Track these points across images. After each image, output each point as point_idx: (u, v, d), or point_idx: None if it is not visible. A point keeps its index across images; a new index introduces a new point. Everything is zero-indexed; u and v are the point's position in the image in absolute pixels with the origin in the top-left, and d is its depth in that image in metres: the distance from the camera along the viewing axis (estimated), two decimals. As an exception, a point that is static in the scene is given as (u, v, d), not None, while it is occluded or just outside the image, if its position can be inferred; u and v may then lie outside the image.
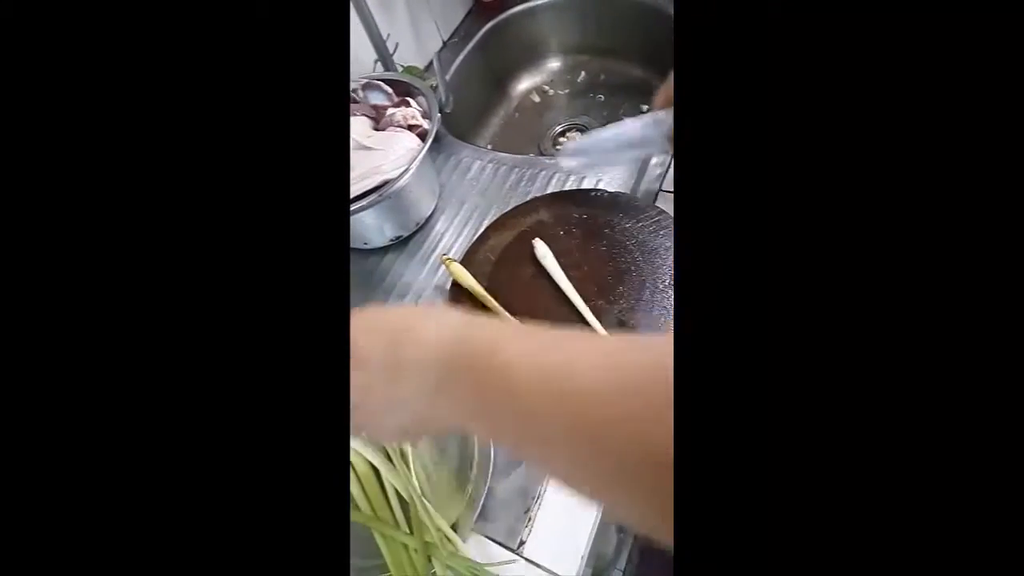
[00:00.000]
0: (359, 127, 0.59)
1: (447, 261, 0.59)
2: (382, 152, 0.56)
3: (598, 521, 0.45)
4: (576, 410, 0.18)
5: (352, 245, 0.67)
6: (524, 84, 0.99)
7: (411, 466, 0.46)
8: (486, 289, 0.56)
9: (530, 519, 0.45)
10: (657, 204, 0.61)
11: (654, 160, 0.65)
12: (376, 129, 0.61)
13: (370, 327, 0.25)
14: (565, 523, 0.45)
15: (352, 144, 0.58)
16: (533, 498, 0.46)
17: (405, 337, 0.24)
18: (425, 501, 0.44)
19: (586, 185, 0.65)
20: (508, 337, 0.22)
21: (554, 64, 0.99)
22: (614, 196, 0.61)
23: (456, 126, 0.81)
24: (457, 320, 0.24)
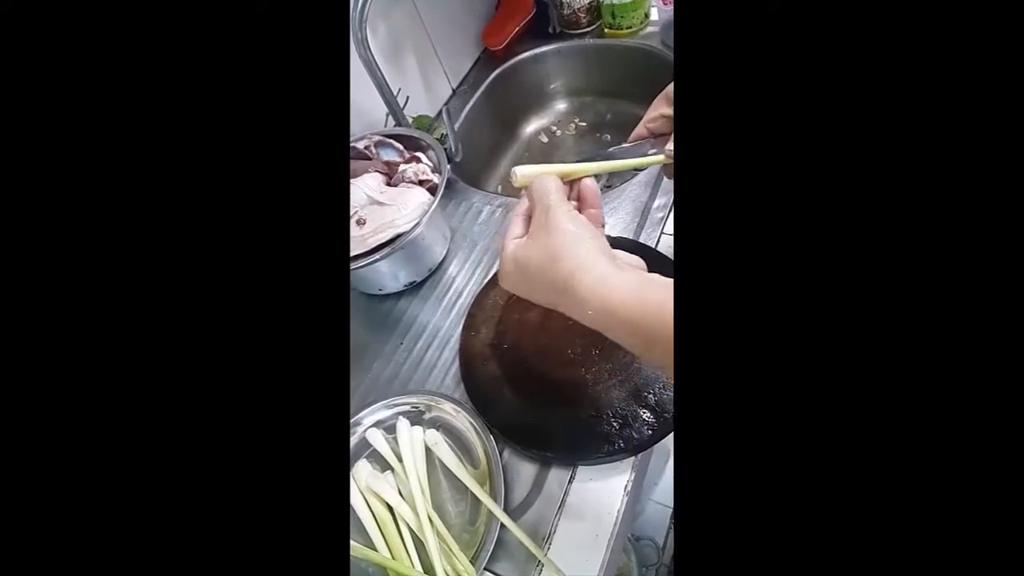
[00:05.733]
0: (372, 183, 0.63)
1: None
2: (395, 208, 0.60)
3: (607, 560, 0.46)
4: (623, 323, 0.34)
5: (368, 291, 0.70)
6: (532, 126, 1.03)
7: (428, 508, 0.48)
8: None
9: (538, 562, 0.47)
10: (658, 248, 0.63)
11: (656, 204, 0.68)
12: (389, 184, 0.65)
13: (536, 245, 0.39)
14: (575, 562, 0.47)
15: (366, 200, 0.62)
16: (543, 538, 0.48)
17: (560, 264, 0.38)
18: (444, 541, 0.46)
19: (590, 229, 0.68)
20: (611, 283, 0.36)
21: (560, 106, 1.03)
22: (616, 241, 0.64)
23: (467, 170, 0.85)
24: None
